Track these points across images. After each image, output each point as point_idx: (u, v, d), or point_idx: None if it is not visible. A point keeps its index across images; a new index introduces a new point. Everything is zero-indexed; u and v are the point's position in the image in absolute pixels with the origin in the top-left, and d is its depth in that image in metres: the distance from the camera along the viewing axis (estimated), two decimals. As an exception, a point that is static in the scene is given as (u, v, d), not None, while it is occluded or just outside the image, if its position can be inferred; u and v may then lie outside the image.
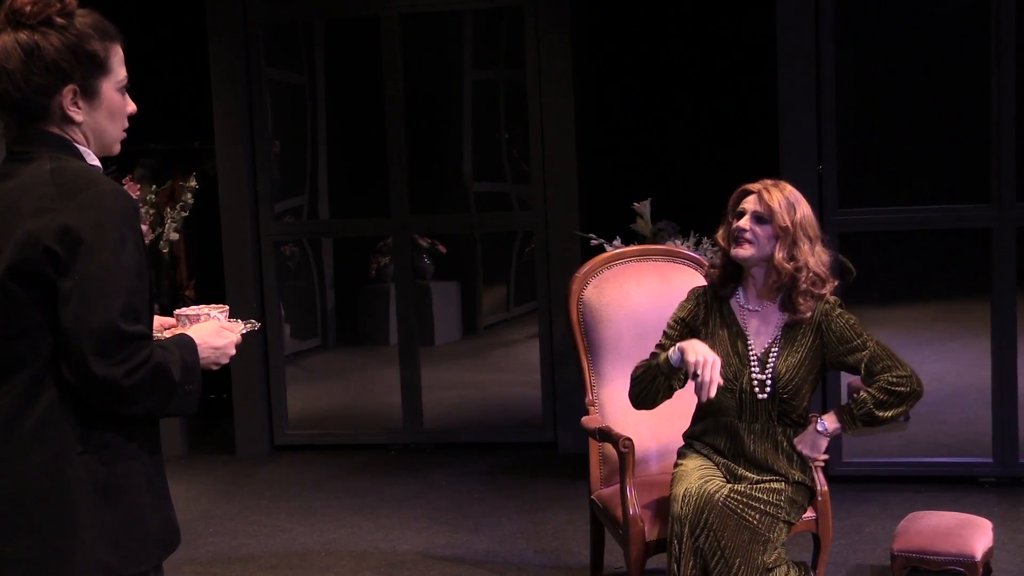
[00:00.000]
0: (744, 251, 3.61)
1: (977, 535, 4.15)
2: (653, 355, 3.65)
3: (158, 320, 2.44)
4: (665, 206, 5.90)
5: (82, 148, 2.25)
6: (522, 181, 6.72)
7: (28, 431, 2.14)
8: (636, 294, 4.33)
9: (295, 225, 7.12)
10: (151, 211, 6.75)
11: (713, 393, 3.41)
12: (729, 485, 3.55)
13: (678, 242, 5.58)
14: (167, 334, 2.37)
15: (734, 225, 3.64)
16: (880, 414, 3.59)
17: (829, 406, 5.30)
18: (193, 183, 6.80)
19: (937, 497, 5.29)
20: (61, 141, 2.22)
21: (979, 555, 4.07)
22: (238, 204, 6.62)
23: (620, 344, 4.30)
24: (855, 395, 3.68)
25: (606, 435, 4.00)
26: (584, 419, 4.20)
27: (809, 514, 3.74)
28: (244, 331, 2.51)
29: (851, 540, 4.89)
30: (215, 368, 2.37)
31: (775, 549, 3.52)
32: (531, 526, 5.29)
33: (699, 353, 3.42)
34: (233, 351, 2.41)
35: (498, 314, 8.64)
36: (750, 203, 3.65)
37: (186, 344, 2.26)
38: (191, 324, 2.40)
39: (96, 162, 2.28)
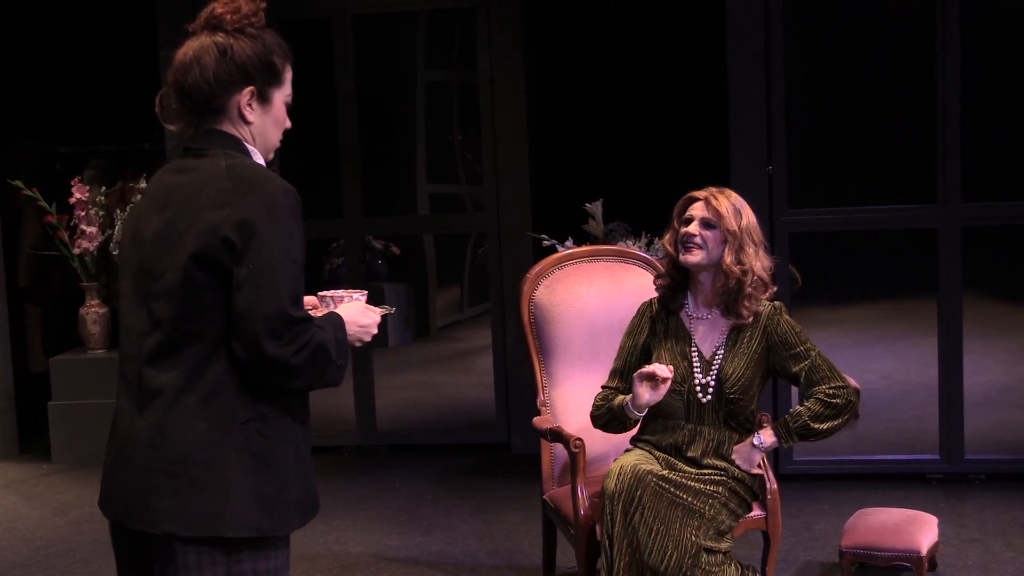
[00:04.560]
0: (694, 256, 3.65)
1: (923, 531, 4.22)
2: (607, 391, 3.77)
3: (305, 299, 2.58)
4: (617, 207, 5.94)
5: (251, 147, 2.48)
6: (475, 182, 6.73)
7: (196, 401, 2.35)
8: (587, 294, 4.35)
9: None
10: (101, 212, 6.70)
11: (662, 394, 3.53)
12: (664, 471, 3.58)
13: (630, 243, 5.61)
14: (312, 313, 2.50)
15: (682, 231, 3.68)
16: (816, 427, 3.63)
17: (781, 411, 5.36)
18: (144, 184, 6.75)
19: (886, 494, 5.36)
20: (234, 140, 2.45)
21: (925, 550, 4.13)
22: (189, 206, 6.57)
23: (571, 344, 4.31)
24: (790, 410, 3.73)
25: (557, 435, 4.02)
26: (535, 420, 4.21)
27: (758, 512, 3.77)
28: (382, 313, 2.66)
29: (801, 538, 4.94)
30: (358, 345, 2.56)
31: (719, 534, 3.53)
32: (484, 527, 5.30)
33: (646, 395, 3.57)
34: (375, 331, 2.59)
35: (452, 315, 8.65)
36: (698, 209, 3.69)
37: (337, 323, 2.46)
38: (335, 305, 2.57)
39: (262, 161, 2.49)
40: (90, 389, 6.68)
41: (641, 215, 5.76)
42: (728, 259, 3.62)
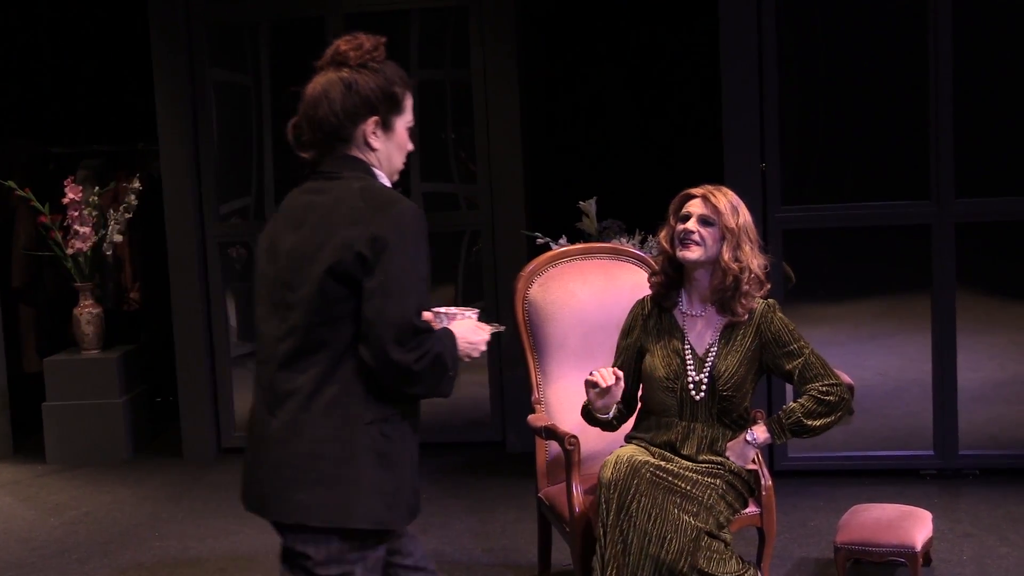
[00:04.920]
0: (692, 253, 3.66)
1: (918, 526, 4.23)
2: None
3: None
4: (611, 205, 5.94)
5: (378, 171, 2.72)
6: (469, 181, 6.73)
7: (325, 403, 2.57)
8: (581, 292, 4.35)
9: (241, 226, 7.07)
10: (94, 213, 6.69)
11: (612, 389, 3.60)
12: (660, 463, 3.58)
13: (624, 240, 5.61)
14: None
15: (681, 228, 3.68)
16: (809, 423, 3.64)
17: (775, 408, 5.37)
18: (137, 184, 6.74)
19: (880, 490, 5.37)
20: (363, 164, 2.69)
21: (919, 546, 4.14)
22: (182, 205, 6.57)
23: (566, 342, 4.32)
24: (784, 406, 3.74)
25: (552, 433, 4.02)
26: (530, 417, 4.22)
27: (753, 508, 3.78)
28: (492, 331, 2.88)
29: (796, 534, 4.95)
30: (467, 360, 2.76)
31: (718, 526, 3.53)
32: (479, 525, 5.30)
33: (598, 401, 3.64)
34: (484, 348, 2.81)
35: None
36: (695, 206, 3.70)
37: (450, 339, 2.67)
38: (449, 321, 2.75)
39: (388, 183, 2.72)
40: (84, 390, 6.67)
41: (635, 213, 5.76)
42: (726, 256, 3.62)
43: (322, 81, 2.69)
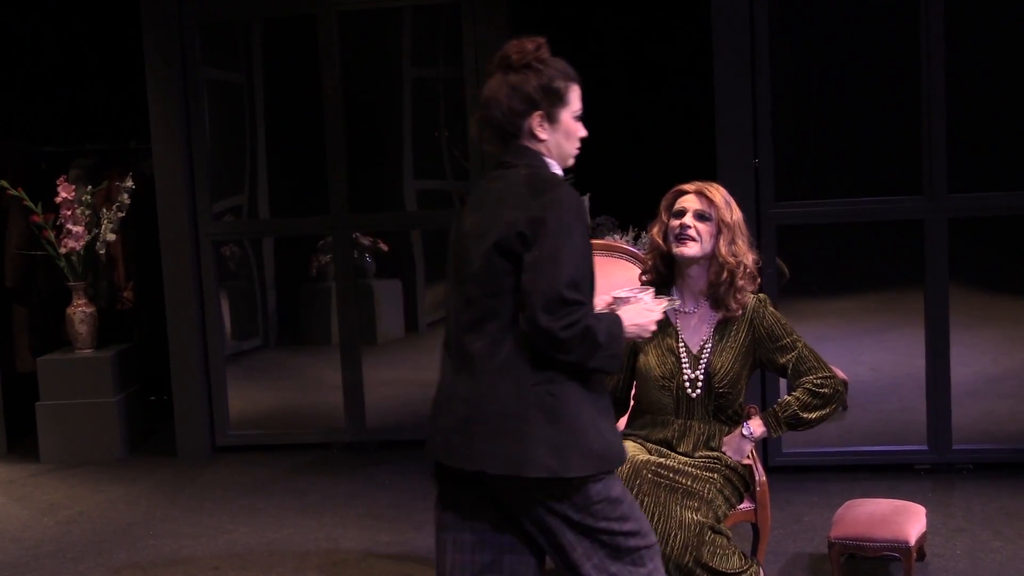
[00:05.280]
0: (689, 249, 3.66)
1: (911, 521, 4.23)
2: None
3: (600, 298, 3.04)
4: (603, 202, 5.94)
5: (548, 159, 3.03)
6: (462, 178, 6.73)
7: (497, 366, 2.89)
8: (575, 289, 4.33)
9: (234, 224, 7.07)
10: (87, 212, 6.68)
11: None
12: (659, 460, 3.59)
13: (617, 237, 5.62)
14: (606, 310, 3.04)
15: (676, 224, 3.68)
16: (805, 416, 3.65)
17: (769, 403, 5.37)
18: (130, 183, 6.73)
19: (874, 485, 5.38)
20: (534, 153, 3.01)
21: (913, 540, 4.15)
22: (175, 204, 6.56)
23: (560, 339, 4.30)
24: (779, 399, 3.75)
25: (546, 429, 4.01)
26: (525, 414, 4.20)
27: (748, 504, 3.78)
28: (665, 308, 3.20)
29: (790, 529, 4.96)
30: (640, 340, 3.17)
31: (716, 520, 3.54)
32: (475, 522, 5.30)
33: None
34: (654, 327, 3.09)
35: (441, 311, 8.63)
36: (690, 202, 3.70)
37: (613, 319, 2.95)
38: (623, 304, 3.05)
39: (558, 170, 3.04)
40: (78, 389, 6.67)
41: (628, 209, 5.76)
42: (723, 250, 3.63)
43: (492, 84, 3.03)
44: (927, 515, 4.42)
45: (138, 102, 6.75)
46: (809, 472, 5.67)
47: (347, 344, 6.66)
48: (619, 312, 3.02)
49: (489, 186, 3.04)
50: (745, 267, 3.65)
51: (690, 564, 3.40)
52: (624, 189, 6.25)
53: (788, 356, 3.67)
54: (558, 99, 3.04)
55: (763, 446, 5.36)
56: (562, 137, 3.06)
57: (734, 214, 3.68)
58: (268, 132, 7.09)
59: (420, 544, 5.06)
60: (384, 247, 8.10)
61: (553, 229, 2.84)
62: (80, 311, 6.76)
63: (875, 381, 6.99)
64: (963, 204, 5.52)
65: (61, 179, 6.69)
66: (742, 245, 3.67)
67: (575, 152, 3.11)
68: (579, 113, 3.09)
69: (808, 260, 5.85)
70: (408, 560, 4.88)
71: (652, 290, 3.15)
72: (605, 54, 7.36)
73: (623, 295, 3.08)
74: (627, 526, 2.96)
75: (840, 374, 3.78)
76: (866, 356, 7.39)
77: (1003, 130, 5.55)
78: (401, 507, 5.57)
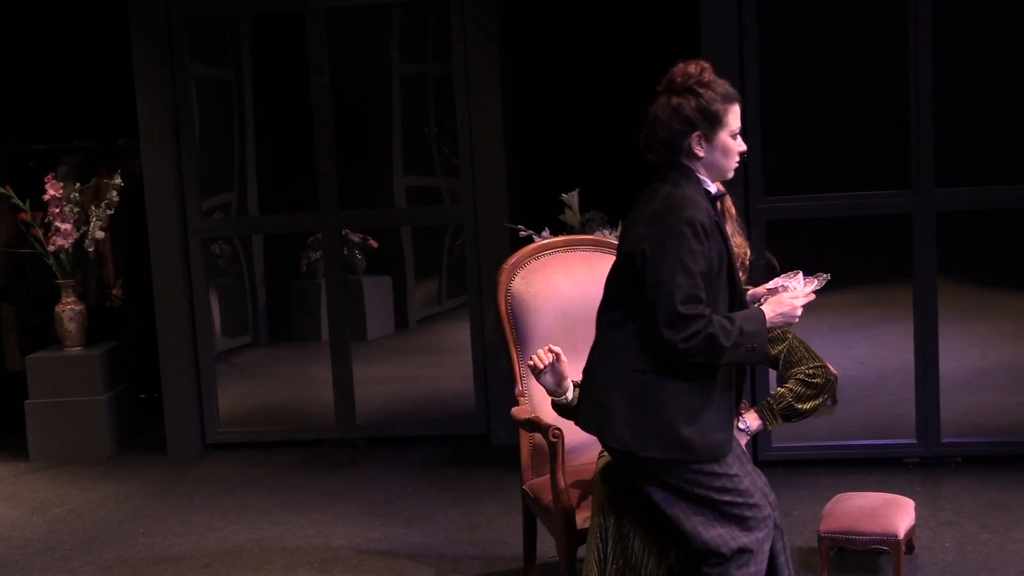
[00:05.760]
0: None
1: (900, 514, 4.25)
2: None
3: (753, 290, 3.43)
4: (593, 197, 5.94)
5: (702, 176, 3.31)
6: (451, 175, 6.73)
7: (605, 350, 3.34)
8: (564, 284, 4.35)
9: (223, 222, 7.07)
10: (75, 209, 6.67)
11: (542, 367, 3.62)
12: None
13: (607, 232, 5.62)
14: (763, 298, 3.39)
15: None
16: (799, 406, 3.66)
17: (760, 397, 5.38)
18: (118, 181, 6.72)
19: (863, 478, 5.39)
20: (686, 170, 3.30)
21: (902, 533, 4.16)
22: (164, 202, 6.55)
23: (549, 334, 4.31)
24: (771, 392, 3.75)
25: (535, 425, 4.02)
26: (514, 410, 4.21)
27: (737, 498, 3.78)
28: (816, 287, 3.39)
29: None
30: (791, 324, 3.36)
31: None
32: (465, 518, 5.31)
33: (546, 386, 3.68)
34: (799, 312, 3.34)
35: (430, 308, 8.64)
36: None
37: (749, 316, 3.26)
38: (771, 296, 3.36)
39: (711, 187, 3.31)
40: (67, 387, 6.65)
41: (617, 204, 5.76)
42: None
43: (659, 104, 3.33)
44: (916, 508, 4.43)
45: (126, 99, 6.73)
46: (798, 466, 5.68)
47: (337, 341, 6.65)
48: (764, 306, 3.31)
49: (646, 196, 3.36)
50: (742, 260, 3.68)
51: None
52: (613, 184, 6.26)
53: (779, 347, 3.69)
54: (716, 120, 3.27)
55: (752, 440, 5.37)
56: (719, 155, 3.29)
57: (730, 206, 3.70)
58: (257, 129, 7.09)
59: (412, 540, 5.06)
60: (374, 244, 8.11)
61: (668, 252, 3.16)
62: (69, 309, 6.75)
63: (864, 375, 7.02)
64: (951, 198, 5.54)
65: (49, 177, 6.68)
66: (739, 239, 3.69)
67: (734, 166, 3.35)
68: (737, 131, 3.32)
69: (797, 254, 5.86)
70: (400, 556, 4.88)
71: (800, 273, 3.39)
72: (594, 49, 7.36)
73: (773, 285, 3.37)
74: (728, 496, 3.31)
75: (831, 368, 3.79)
76: (855, 350, 7.42)
77: (991, 124, 5.57)
78: (392, 503, 5.57)
